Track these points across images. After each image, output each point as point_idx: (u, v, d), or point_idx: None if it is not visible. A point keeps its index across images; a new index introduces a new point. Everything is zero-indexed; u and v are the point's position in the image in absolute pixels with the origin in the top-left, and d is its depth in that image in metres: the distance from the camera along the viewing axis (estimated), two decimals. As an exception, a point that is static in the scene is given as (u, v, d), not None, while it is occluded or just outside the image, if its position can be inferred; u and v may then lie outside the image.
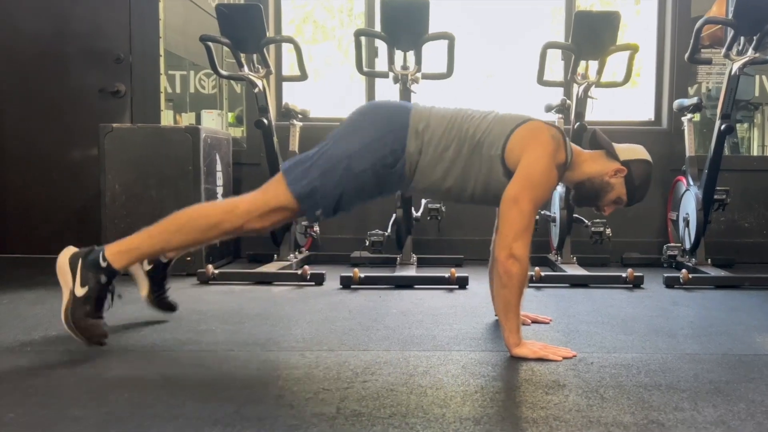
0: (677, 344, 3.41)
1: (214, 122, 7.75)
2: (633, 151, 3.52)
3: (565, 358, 3.12)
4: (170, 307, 3.78)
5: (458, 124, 3.36)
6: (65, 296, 3.19)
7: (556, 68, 6.51)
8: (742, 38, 5.18)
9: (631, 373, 2.88)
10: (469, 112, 3.45)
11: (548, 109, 6.08)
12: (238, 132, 7.68)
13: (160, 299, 3.74)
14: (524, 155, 3.24)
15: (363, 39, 5.52)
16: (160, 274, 3.71)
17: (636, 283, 5.13)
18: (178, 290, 4.57)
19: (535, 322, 3.85)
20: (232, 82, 8.04)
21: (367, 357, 3.11)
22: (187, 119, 7.71)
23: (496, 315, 3.87)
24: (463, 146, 3.32)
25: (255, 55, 5.38)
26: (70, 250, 3.28)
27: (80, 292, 3.16)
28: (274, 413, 2.34)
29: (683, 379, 2.81)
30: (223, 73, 5.44)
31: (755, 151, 7.54)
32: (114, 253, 3.23)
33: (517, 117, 3.40)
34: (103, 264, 3.20)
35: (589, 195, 3.53)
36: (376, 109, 3.48)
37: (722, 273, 5.47)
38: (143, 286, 3.66)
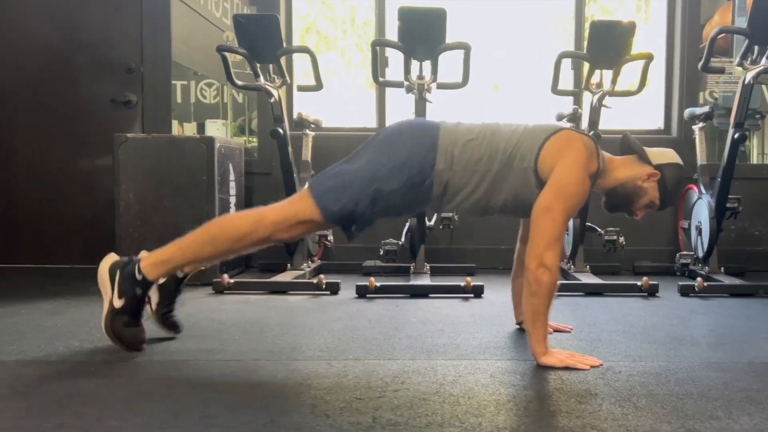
0: (702, 353, 3.41)
1: (218, 132, 7.75)
2: (665, 155, 3.54)
3: (592, 366, 3.12)
4: (174, 327, 3.65)
5: (487, 139, 3.36)
6: (105, 305, 3.27)
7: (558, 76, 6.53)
8: (755, 47, 5.18)
9: (660, 382, 2.88)
10: (496, 126, 3.45)
11: (559, 117, 6.07)
12: (240, 141, 7.68)
13: (165, 317, 3.61)
14: (557, 165, 3.24)
15: (378, 49, 5.55)
16: (173, 288, 3.63)
17: (651, 292, 5.14)
18: (194, 300, 4.63)
19: (556, 330, 3.85)
20: (234, 91, 8.06)
21: (394, 366, 3.11)
22: (189, 129, 7.71)
23: (517, 323, 3.93)
24: (494, 160, 3.32)
25: (271, 65, 5.38)
26: (110, 259, 3.35)
27: (118, 303, 3.24)
28: (310, 423, 2.34)
29: (713, 387, 2.81)
30: (239, 83, 5.44)
31: (755, 160, 7.53)
32: (148, 264, 3.28)
33: (547, 127, 3.40)
34: (139, 276, 3.25)
35: (622, 200, 3.54)
36: (406, 128, 3.47)
37: (736, 281, 5.48)
38: (152, 300, 3.60)
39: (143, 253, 3.39)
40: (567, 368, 3.09)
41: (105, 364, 3.14)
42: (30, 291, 5.17)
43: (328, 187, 3.31)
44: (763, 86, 7.25)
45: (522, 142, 3.33)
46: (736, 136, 5.36)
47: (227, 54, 5.36)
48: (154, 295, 3.60)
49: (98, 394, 2.69)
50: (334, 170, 3.39)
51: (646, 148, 3.55)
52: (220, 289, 5.11)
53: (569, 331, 3.87)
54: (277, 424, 2.33)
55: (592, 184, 3.37)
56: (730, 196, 5.63)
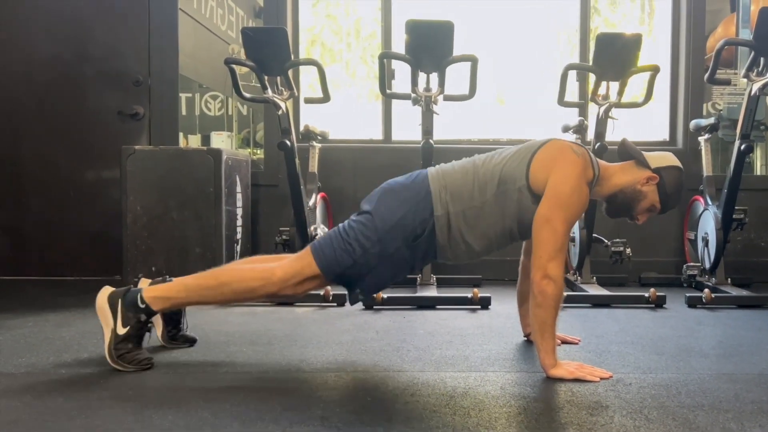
0: (711, 364, 3.40)
1: (223, 144, 7.75)
2: (663, 159, 3.53)
3: (602, 378, 3.12)
4: (187, 341, 3.79)
5: (472, 172, 3.38)
6: (107, 335, 3.25)
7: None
8: (761, 59, 5.17)
9: (671, 394, 2.87)
10: (478, 159, 3.47)
11: (565, 129, 6.08)
12: (246, 153, 7.70)
13: (175, 337, 3.76)
14: (552, 175, 3.25)
15: (385, 61, 5.57)
16: (175, 315, 3.74)
17: (658, 303, 5.12)
18: (200, 312, 4.59)
19: (564, 342, 3.83)
20: (238, 104, 8.08)
21: (403, 378, 3.11)
22: (194, 141, 7.73)
23: (525, 335, 3.92)
24: (485, 190, 3.33)
25: (278, 78, 5.40)
26: (107, 291, 3.33)
27: (122, 331, 3.24)
28: (322, 435, 2.33)
29: (725, 399, 2.80)
30: (247, 95, 5.46)
31: (758, 171, 7.50)
32: (151, 297, 3.29)
33: (533, 143, 3.42)
34: (142, 306, 3.26)
35: (622, 206, 3.54)
36: (396, 185, 3.47)
37: (744, 292, 5.45)
38: (158, 327, 3.70)
39: (143, 282, 3.50)
40: (577, 380, 3.09)
41: (114, 376, 3.15)
42: (37, 303, 5.18)
43: (329, 248, 3.33)
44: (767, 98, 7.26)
45: (509, 164, 3.35)
46: (742, 147, 5.34)
47: (234, 66, 5.38)
48: (158, 323, 3.69)
49: (108, 407, 2.69)
50: (335, 230, 3.42)
51: (644, 153, 3.55)
52: (226, 302, 5.10)
53: (577, 343, 3.85)
54: (288, 436, 2.32)
55: (589, 191, 3.37)
56: (736, 207, 5.62)
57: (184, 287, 3.34)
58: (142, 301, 3.26)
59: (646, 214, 3.55)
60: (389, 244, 3.27)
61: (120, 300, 3.27)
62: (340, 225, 3.43)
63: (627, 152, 3.61)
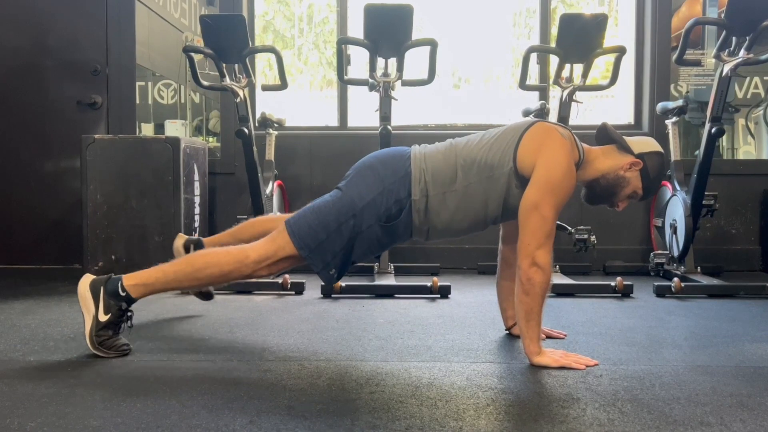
0: (685, 356, 3.37)
1: (178, 132, 7.74)
2: (646, 144, 3.48)
3: (588, 366, 3.12)
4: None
5: (454, 155, 3.34)
6: (88, 321, 3.29)
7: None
8: (733, 39, 5.11)
9: (644, 386, 2.84)
10: (462, 140, 3.43)
11: (526, 113, 6.04)
12: (204, 141, 7.69)
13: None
14: (540, 158, 3.20)
15: (343, 47, 5.57)
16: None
17: (625, 293, 5.09)
18: (162, 299, 4.66)
19: (549, 337, 3.74)
20: (191, 92, 8.06)
21: (366, 368, 3.12)
22: (147, 129, 7.70)
23: (507, 329, 3.84)
24: (470, 174, 3.29)
25: (236, 65, 5.40)
26: (88, 278, 3.37)
27: (104, 318, 3.28)
28: (289, 425, 2.35)
29: (701, 392, 2.76)
30: (205, 83, 5.44)
31: (725, 155, 7.52)
32: (132, 285, 3.32)
33: (519, 125, 3.36)
34: (123, 294, 3.30)
35: (603, 192, 3.49)
36: (377, 161, 3.45)
37: (715, 281, 5.45)
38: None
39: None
40: (562, 368, 3.09)
41: (82, 364, 3.16)
42: (1, 292, 5.19)
43: (304, 223, 3.33)
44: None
45: (495, 147, 3.30)
46: (713, 130, 5.28)
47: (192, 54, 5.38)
48: None
49: (78, 395, 2.70)
50: (311, 206, 3.41)
51: (625, 137, 3.50)
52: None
53: (563, 338, 3.76)
54: (257, 425, 2.34)
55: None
56: (706, 193, 5.56)
57: (162, 273, 3.37)
58: (123, 289, 3.30)
59: (627, 201, 3.51)
60: (363, 221, 3.26)
61: (102, 288, 3.30)
62: (316, 200, 3.44)
63: (607, 136, 3.55)
